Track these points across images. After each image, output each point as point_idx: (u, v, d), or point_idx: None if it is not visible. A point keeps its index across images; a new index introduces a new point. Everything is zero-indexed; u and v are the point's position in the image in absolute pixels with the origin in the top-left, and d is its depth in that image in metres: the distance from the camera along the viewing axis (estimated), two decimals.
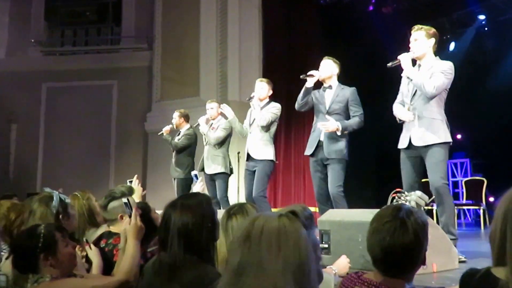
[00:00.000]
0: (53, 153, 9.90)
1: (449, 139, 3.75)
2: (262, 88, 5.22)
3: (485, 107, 8.65)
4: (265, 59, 8.95)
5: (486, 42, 9.78)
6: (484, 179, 7.64)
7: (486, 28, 9.75)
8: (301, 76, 4.56)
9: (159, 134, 6.43)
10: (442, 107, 3.82)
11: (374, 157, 9.34)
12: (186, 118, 6.51)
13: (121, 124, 10.03)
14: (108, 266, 2.39)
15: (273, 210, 6.24)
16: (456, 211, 3.85)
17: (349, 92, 4.52)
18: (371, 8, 9.14)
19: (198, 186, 4.24)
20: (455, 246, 3.53)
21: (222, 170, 5.70)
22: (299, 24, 9.07)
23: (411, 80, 3.77)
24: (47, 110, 10.15)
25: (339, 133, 4.37)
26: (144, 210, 2.79)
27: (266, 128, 5.09)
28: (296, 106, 4.67)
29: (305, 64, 7.67)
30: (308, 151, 4.58)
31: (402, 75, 3.90)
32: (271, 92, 5.29)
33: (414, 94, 3.83)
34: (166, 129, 6.34)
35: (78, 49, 10.74)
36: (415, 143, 3.77)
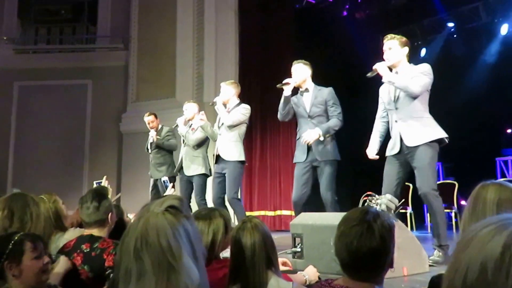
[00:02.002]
0: (25, 153, 9.59)
1: (444, 134, 3.76)
2: (225, 91, 5.18)
3: (455, 112, 8.78)
4: (241, 61, 8.92)
5: (455, 48, 9.95)
6: (455, 182, 7.75)
7: (455, 35, 9.93)
8: (277, 86, 4.50)
9: (151, 144, 6.34)
10: (427, 108, 3.84)
11: (349, 160, 9.36)
12: (157, 117, 6.50)
13: (95, 124, 9.82)
14: (96, 271, 2.28)
15: (248, 213, 6.22)
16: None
17: (326, 92, 4.48)
18: (344, 13, 9.22)
19: (170, 192, 4.20)
20: (447, 253, 3.53)
21: (202, 171, 5.63)
22: (274, 27, 9.07)
23: (394, 84, 3.77)
24: (19, 110, 9.84)
25: (321, 139, 4.34)
26: (117, 215, 2.73)
27: (233, 128, 5.01)
28: (279, 117, 4.61)
29: (279, 66, 7.70)
30: (300, 157, 4.45)
31: (383, 81, 3.90)
32: (237, 93, 5.23)
33: (398, 98, 3.86)
34: (153, 135, 6.29)
35: (52, 47, 10.50)
36: (408, 143, 3.75)
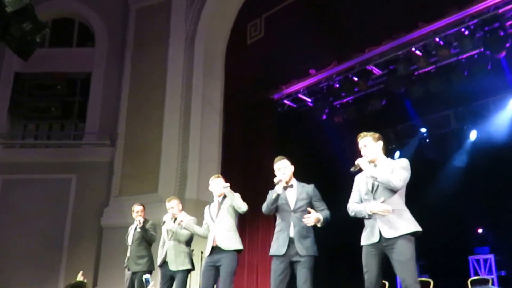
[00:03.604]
0: (3, 246, 9.21)
1: (417, 228, 3.68)
2: (217, 185, 5.17)
3: (428, 212, 8.76)
4: (223, 159, 8.97)
5: (427, 152, 10.20)
6: (430, 280, 7.54)
7: (427, 140, 10.22)
8: (275, 180, 4.44)
9: (136, 228, 6.14)
10: (404, 200, 3.82)
11: (326, 255, 9.13)
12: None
13: (76, 218, 9.57)
14: None
15: None
16: None
17: (310, 189, 4.48)
18: (324, 117, 9.48)
19: None
20: None
21: (188, 266, 5.49)
22: (257, 128, 9.29)
23: (376, 179, 3.78)
24: (0, 202, 9.58)
25: (319, 225, 4.26)
26: None
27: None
28: (265, 210, 4.52)
29: (261, 164, 7.72)
30: (280, 250, 4.30)
31: (366, 175, 3.89)
32: None
33: (376, 189, 3.83)
34: (139, 220, 6.08)
35: (39, 142, 10.49)
36: (386, 235, 3.66)
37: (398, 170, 3.77)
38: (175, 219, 5.62)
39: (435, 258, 9.18)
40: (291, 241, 4.29)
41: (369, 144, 3.94)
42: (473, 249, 9.44)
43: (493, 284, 8.03)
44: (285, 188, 4.51)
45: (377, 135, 3.99)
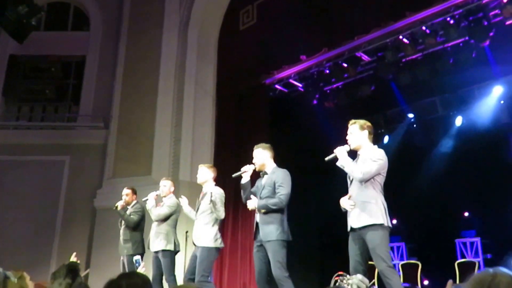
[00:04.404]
0: None
1: (383, 221, 3.72)
2: (204, 173, 5.27)
3: (416, 196, 8.98)
4: (216, 143, 9.05)
5: (415, 137, 10.35)
6: (418, 262, 7.73)
7: (415, 125, 10.37)
8: (232, 176, 4.57)
9: (114, 208, 6.18)
10: (379, 191, 3.86)
11: (318, 241, 9.35)
12: (136, 194, 6.37)
13: (70, 200, 9.56)
14: None
15: None
16: None
17: (277, 174, 4.51)
18: (314, 102, 9.56)
19: (141, 271, 4.05)
20: None
21: (163, 247, 5.48)
22: (249, 112, 9.34)
23: (344, 168, 3.91)
24: None
25: (255, 209, 4.41)
26: None
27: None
28: (243, 200, 4.65)
29: (252, 148, 7.80)
30: (253, 236, 4.53)
31: (337, 164, 3.98)
32: (214, 177, 5.31)
33: (352, 180, 3.97)
34: (121, 203, 6.12)
35: (33, 124, 10.43)
36: (353, 224, 3.84)
37: (367, 162, 3.84)
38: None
39: (423, 241, 9.37)
40: (257, 227, 4.45)
41: (354, 132, 4.02)
42: (460, 233, 9.65)
43: (479, 268, 8.17)
44: (262, 175, 4.61)
45: (366, 124, 4.04)
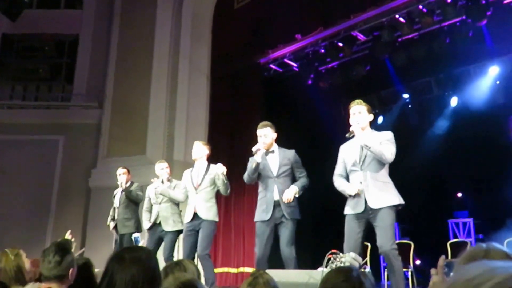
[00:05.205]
0: None
1: (400, 201, 3.80)
2: (199, 149, 5.26)
3: (410, 177, 8.97)
4: (210, 122, 8.99)
5: (410, 117, 10.31)
6: (411, 242, 7.77)
7: (409, 106, 10.32)
8: (253, 149, 4.45)
9: (121, 187, 6.14)
10: (388, 172, 3.90)
11: (310, 219, 9.37)
12: (129, 174, 6.36)
13: (64, 180, 9.52)
14: None
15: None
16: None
17: (291, 154, 4.53)
18: (309, 82, 9.49)
19: None
20: None
21: (171, 228, 5.57)
22: (243, 92, 9.26)
23: (370, 148, 3.79)
24: None
25: (297, 195, 4.36)
26: (86, 266, 2.58)
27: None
28: (247, 180, 4.57)
29: (247, 129, 7.76)
30: (264, 216, 4.39)
31: (360, 144, 3.86)
32: (207, 155, 5.28)
33: (364, 160, 3.87)
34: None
35: (27, 103, 10.32)
36: (372, 205, 3.76)
37: (388, 144, 3.81)
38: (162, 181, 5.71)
39: (416, 221, 9.39)
40: (276, 205, 4.37)
41: (363, 112, 3.95)
42: (453, 213, 9.67)
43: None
44: (266, 154, 4.57)
45: (369, 106, 4.03)
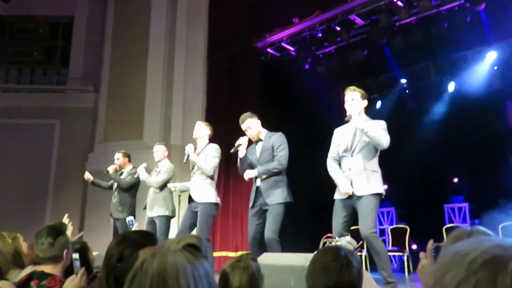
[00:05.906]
0: None
1: (382, 191, 3.88)
2: (201, 129, 5.21)
3: (407, 162, 9.03)
4: (208, 106, 8.98)
5: (407, 102, 10.34)
6: (407, 227, 7.86)
7: (407, 91, 10.34)
8: (231, 151, 4.53)
9: (104, 172, 6.17)
10: (377, 161, 3.95)
11: (309, 204, 9.47)
12: (129, 158, 6.35)
13: (61, 164, 9.51)
14: None
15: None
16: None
17: (274, 138, 4.52)
18: (307, 66, 9.48)
19: None
20: None
21: (162, 213, 5.56)
22: (241, 76, 9.24)
23: (367, 133, 3.80)
24: None
25: (261, 179, 4.39)
26: (82, 250, 2.61)
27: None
28: (240, 172, 4.62)
29: (244, 112, 7.76)
30: (251, 202, 4.50)
31: (357, 127, 3.88)
32: (209, 136, 5.23)
33: (355, 148, 3.92)
34: (112, 167, 6.11)
35: (22, 87, 10.26)
36: (357, 192, 3.85)
37: (381, 131, 3.85)
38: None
39: (412, 206, 9.48)
40: (258, 191, 4.44)
41: (356, 99, 3.99)
42: (449, 198, 9.77)
43: None
44: (255, 143, 4.59)
45: (364, 92, 4.05)
